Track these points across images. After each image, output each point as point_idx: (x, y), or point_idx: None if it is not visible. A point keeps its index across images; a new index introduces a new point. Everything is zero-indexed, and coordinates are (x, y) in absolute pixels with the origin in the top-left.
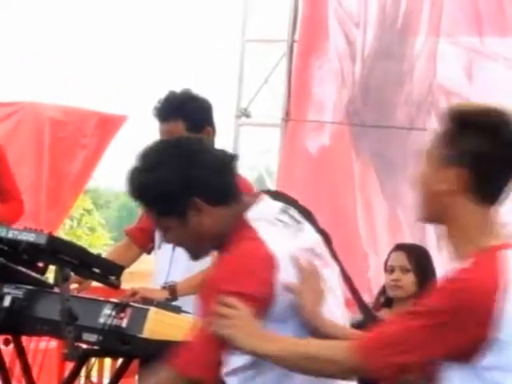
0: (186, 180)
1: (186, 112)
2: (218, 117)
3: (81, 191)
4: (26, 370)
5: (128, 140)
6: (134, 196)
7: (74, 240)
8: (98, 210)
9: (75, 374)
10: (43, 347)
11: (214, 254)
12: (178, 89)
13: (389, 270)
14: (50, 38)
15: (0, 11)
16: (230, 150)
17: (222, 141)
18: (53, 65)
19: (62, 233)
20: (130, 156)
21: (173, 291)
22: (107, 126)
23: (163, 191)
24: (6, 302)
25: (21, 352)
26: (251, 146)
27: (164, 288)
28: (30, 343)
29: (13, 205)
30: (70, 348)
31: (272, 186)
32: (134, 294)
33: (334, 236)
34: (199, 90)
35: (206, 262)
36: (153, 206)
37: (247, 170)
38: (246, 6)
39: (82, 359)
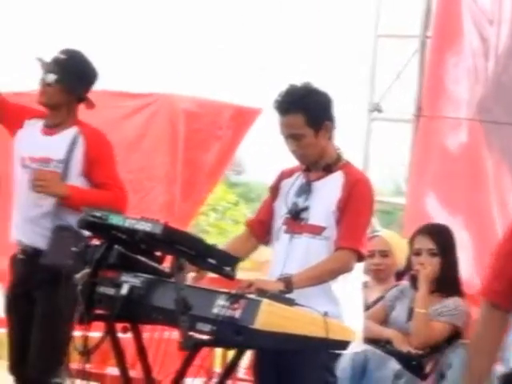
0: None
1: (305, 105)
2: (350, 111)
3: (216, 183)
4: (143, 357)
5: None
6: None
7: (218, 232)
8: (246, 203)
9: (188, 363)
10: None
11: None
12: (312, 83)
13: (415, 252)
14: (186, 30)
15: (133, 4)
16: (361, 143)
17: (353, 135)
18: (188, 56)
19: (205, 224)
20: (279, 150)
21: (288, 283)
22: (242, 118)
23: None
24: (124, 290)
25: (138, 340)
26: (383, 140)
27: (279, 280)
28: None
29: (109, 193)
30: (184, 337)
31: (403, 181)
32: (249, 285)
33: (471, 234)
34: (332, 85)
35: (322, 255)
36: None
37: (378, 164)
38: (379, 1)
39: (195, 349)
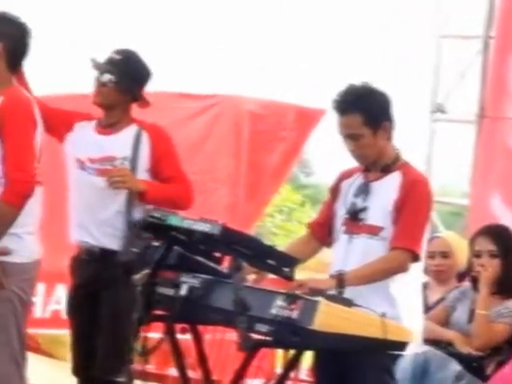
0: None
1: (364, 105)
2: (413, 112)
3: (280, 184)
4: (202, 358)
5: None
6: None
7: (284, 234)
8: (313, 205)
9: (247, 364)
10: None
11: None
12: (371, 83)
13: (476, 254)
14: (249, 33)
15: (198, 6)
16: (424, 145)
17: (417, 136)
18: (252, 58)
19: (271, 226)
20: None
21: (340, 280)
22: (306, 119)
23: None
24: (183, 290)
25: (197, 340)
26: (446, 141)
27: (332, 277)
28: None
29: (178, 186)
30: (243, 338)
31: (466, 182)
32: (301, 284)
33: None
34: (394, 86)
35: (380, 255)
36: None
37: (442, 165)
38: (441, 2)
39: (253, 349)
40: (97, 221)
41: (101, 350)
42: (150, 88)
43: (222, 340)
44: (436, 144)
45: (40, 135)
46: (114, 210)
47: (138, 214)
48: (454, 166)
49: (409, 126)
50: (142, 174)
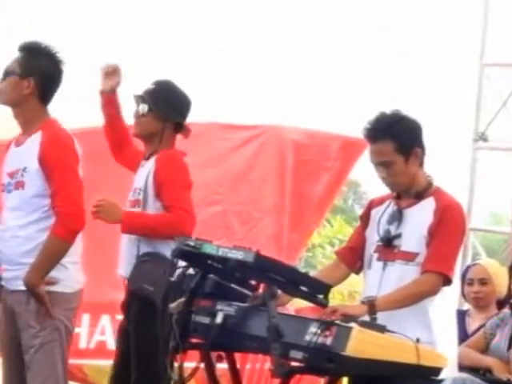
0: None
1: (394, 132)
2: (455, 140)
3: (324, 213)
4: None
5: None
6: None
7: None
8: None
9: None
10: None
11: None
12: (410, 113)
13: None
14: (293, 62)
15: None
16: (466, 173)
17: (459, 164)
18: (295, 88)
19: (321, 257)
20: None
21: (372, 306)
22: (351, 149)
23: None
24: (219, 318)
25: (233, 368)
26: (488, 169)
27: (363, 303)
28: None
29: (167, 215)
30: (277, 364)
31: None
32: (333, 311)
33: None
34: (437, 114)
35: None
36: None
37: (485, 193)
38: (485, 30)
39: (288, 376)
40: (124, 251)
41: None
42: (193, 119)
43: (261, 369)
44: (478, 172)
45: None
46: (132, 239)
47: (157, 245)
48: (496, 195)
49: (451, 154)
50: (154, 203)
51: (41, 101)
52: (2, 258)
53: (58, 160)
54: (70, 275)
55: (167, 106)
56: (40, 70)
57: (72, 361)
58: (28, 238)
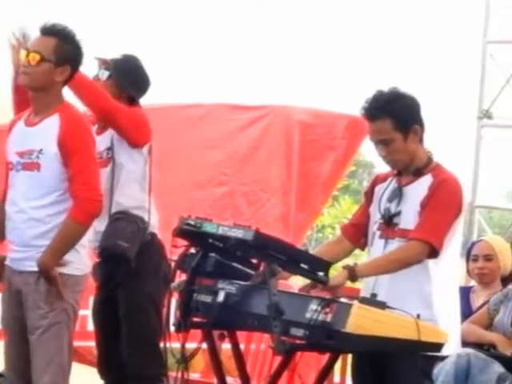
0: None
1: (392, 110)
2: (459, 118)
3: (331, 193)
4: (240, 364)
5: None
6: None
7: None
8: None
9: (282, 368)
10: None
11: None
12: (414, 92)
13: None
14: (299, 42)
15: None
16: (471, 151)
17: (463, 142)
18: (301, 68)
19: (331, 237)
20: None
21: (351, 271)
22: (357, 128)
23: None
24: (220, 297)
25: (235, 347)
26: (493, 146)
27: (343, 269)
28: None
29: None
30: (277, 342)
31: None
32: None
33: None
34: (441, 92)
35: None
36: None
37: (489, 169)
38: (488, 8)
39: (288, 353)
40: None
41: (126, 348)
42: (204, 100)
43: (266, 350)
44: (483, 150)
45: None
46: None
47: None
48: (501, 172)
49: (456, 132)
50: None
51: (63, 86)
52: (11, 239)
53: (78, 144)
54: (79, 258)
55: (127, 77)
56: (72, 58)
57: (80, 343)
58: (41, 221)
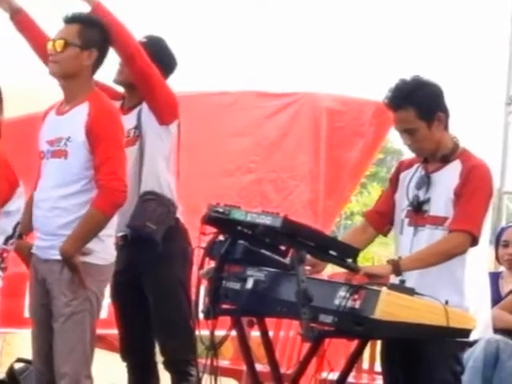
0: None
1: (415, 99)
2: (487, 104)
3: (359, 180)
4: (269, 351)
5: None
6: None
7: None
8: None
9: (311, 355)
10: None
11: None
12: (441, 79)
13: None
14: (326, 30)
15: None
16: (499, 137)
17: (491, 128)
18: (329, 55)
19: None
20: None
21: (396, 265)
22: (385, 114)
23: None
24: (249, 284)
25: (264, 333)
26: None
27: (388, 262)
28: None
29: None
30: (306, 329)
31: None
32: (357, 271)
33: None
34: (469, 79)
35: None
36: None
37: None
38: None
39: (317, 340)
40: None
41: (160, 333)
42: (231, 88)
43: (295, 337)
44: (511, 135)
45: None
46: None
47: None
48: None
49: (483, 118)
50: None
51: (92, 72)
52: (37, 227)
53: (105, 132)
54: (104, 247)
55: (156, 55)
56: (98, 42)
57: (109, 331)
58: (67, 210)
